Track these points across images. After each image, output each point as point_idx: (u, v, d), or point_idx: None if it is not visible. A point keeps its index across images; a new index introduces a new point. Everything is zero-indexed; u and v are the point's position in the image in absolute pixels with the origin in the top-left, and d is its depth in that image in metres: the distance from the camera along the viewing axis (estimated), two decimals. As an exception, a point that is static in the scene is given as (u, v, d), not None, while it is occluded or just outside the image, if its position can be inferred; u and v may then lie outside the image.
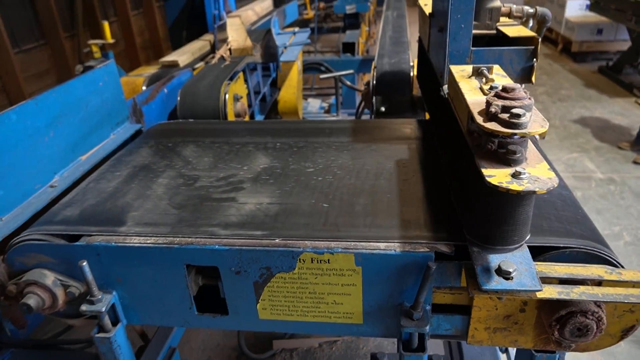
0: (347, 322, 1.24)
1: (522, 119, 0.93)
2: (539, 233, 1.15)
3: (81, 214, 1.35)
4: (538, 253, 1.13)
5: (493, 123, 0.97)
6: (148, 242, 1.21)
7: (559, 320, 1.07)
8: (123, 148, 1.81)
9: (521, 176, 0.92)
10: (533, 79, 1.49)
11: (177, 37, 4.85)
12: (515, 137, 0.97)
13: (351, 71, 3.69)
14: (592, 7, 6.61)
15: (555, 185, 0.91)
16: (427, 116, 2.13)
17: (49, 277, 1.25)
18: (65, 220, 1.33)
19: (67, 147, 1.64)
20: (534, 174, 0.93)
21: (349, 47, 4.46)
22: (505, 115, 0.95)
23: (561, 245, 1.11)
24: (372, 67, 2.65)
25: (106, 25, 3.28)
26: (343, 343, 2.39)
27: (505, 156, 0.97)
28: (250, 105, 2.70)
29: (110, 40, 3.23)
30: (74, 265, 1.23)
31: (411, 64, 2.68)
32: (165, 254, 1.20)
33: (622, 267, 1.10)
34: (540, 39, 1.53)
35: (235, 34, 2.80)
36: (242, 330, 2.32)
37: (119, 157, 1.70)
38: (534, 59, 1.47)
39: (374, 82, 2.47)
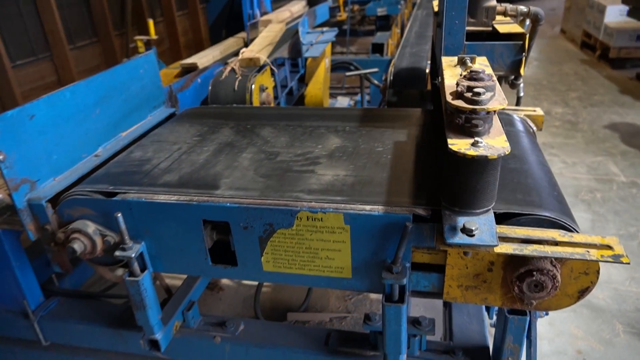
0: (338, 276, 1.42)
1: (482, 97, 1.10)
2: (512, 202, 1.30)
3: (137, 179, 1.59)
4: (507, 219, 1.28)
5: (459, 100, 1.13)
6: (172, 199, 1.43)
7: (519, 277, 1.22)
8: (157, 127, 2.06)
9: (478, 144, 1.08)
10: (522, 71, 1.63)
11: (217, 36, 5.14)
12: (482, 113, 1.14)
13: (376, 69, 3.86)
14: (631, 13, 6.51)
15: (507, 153, 1.06)
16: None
17: (91, 227, 1.49)
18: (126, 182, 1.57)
19: (110, 124, 1.89)
20: (490, 143, 1.09)
21: (378, 48, 4.63)
22: (469, 94, 1.12)
23: (525, 212, 1.26)
24: (391, 63, 2.82)
25: (151, 22, 3.58)
26: (352, 319, 2.56)
27: (469, 129, 1.14)
28: (276, 97, 2.92)
29: (154, 37, 3.52)
30: (111, 218, 1.47)
31: (429, 61, 2.83)
32: (185, 210, 1.42)
33: (577, 232, 1.24)
34: (528, 35, 1.67)
35: (260, 41, 2.97)
36: (258, 302, 2.54)
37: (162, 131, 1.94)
38: (523, 53, 1.61)
39: (391, 77, 2.64)
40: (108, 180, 1.58)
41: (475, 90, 1.10)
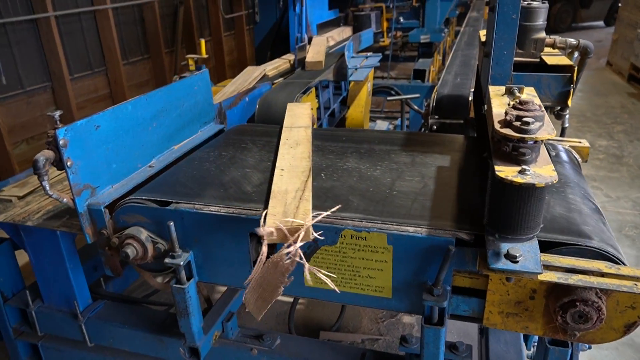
0: (378, 295, 1.45)
1: (531, 126, 1.12)
2: (556, 231, 1.31)
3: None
4: (551, 247, 1.28)
5: (507, 129, 1.16)
6: (221, 211, 1.50)
7: (562, 306, 1.21)
8: (207, 143, 2.15)
9: (526, 172, 1.10)
10: (569, 102, 1.64)
11: (262, 56, 5.32)
12: (530, 142, 1.16)
13: (417, 95, 3.90)
14: (682, 47, 6.36)
15: (554, 182, 1.08)
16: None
17: (144, 234, 1.57)
18: (162, 191, 1.65)
19: (165, 137, 1.99)
20: (538, 172, 1.11)
21: (420, 74, 4.68)
22: (517, 123, 1.15)
23: (570, 242, 1.26)
24: (434, 90, 2.86)
25: (202, 42, 3.74)
26: (384, 342, 2.55)
27: (516, 157, 1.16)
28: (319, 118, 3.00)
29: (205, 56, 3.68)
30: (163, 226, 1.54)
31: (472, 89, 2.85)
32: (234, 222, 1.48)
33: (625, 264, 1.23)
34: (576, 68, 1.69)
35: None
36: (293, 318, 2.57)
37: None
38: (571, 85, 1.62)
39: (434, 104, 2.68)
40: (162, 190, 1.66)
41: (525, 119, 1.13)
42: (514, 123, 1.15)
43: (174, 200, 1.58)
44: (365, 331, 2.66)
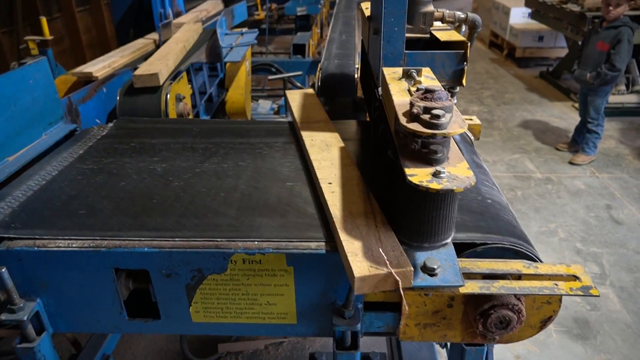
0: (281, 323, 1.24)
1: (442, 120, 0.96)
2: (465, 230, 1.19)
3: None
4: (465, 249, 1.17)
5: (415, 124, 0.99)
6: (73, 245, 1.17)
7: (483, 313, 1.11)
8: (56, 149, 1.75)
9: (441, 175, 0.95)
10: (464, 81, 1.54)
11: (124, 35, 4.71)
12: (439, 137, 1.01)
13: (299, 73, 3.71)
14: (533, 16, 6.92)
15: (473, 184, 0.94)
16: (368, 118, 2.16)
17: (-34, 285, 1.18)
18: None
19: (-8, 148, 1.57)
20: (453, 172, 0.96)
21: (300, 49, 4.48)
22: (426, 116, 0.98)
23: (485, 242, 1.16)
24: (318, 68, 2.67)
25: (44, 20, 3.13)
26: (289, 344, 2.38)
27: (427, 156, 1.00)
28: (194, 106, 2.66)
29: (49, 37, 3.09)
30: (-6, 272, 1.17)
31: (357, 66, 2.71)
32: (92, 258, 1.16)
33: (540, 261, 1.15)
34: (470, 44, 1.59)
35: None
36: (184, 335, 2.28)
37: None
38: (465, 63, 1.52)
39: (319, 83, 2.49)
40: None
41: (433, 112, 0.97)
42: (422, 116, 0.99)
43: (7, 236, 1.21)
44: (267, 335, 2.46)
